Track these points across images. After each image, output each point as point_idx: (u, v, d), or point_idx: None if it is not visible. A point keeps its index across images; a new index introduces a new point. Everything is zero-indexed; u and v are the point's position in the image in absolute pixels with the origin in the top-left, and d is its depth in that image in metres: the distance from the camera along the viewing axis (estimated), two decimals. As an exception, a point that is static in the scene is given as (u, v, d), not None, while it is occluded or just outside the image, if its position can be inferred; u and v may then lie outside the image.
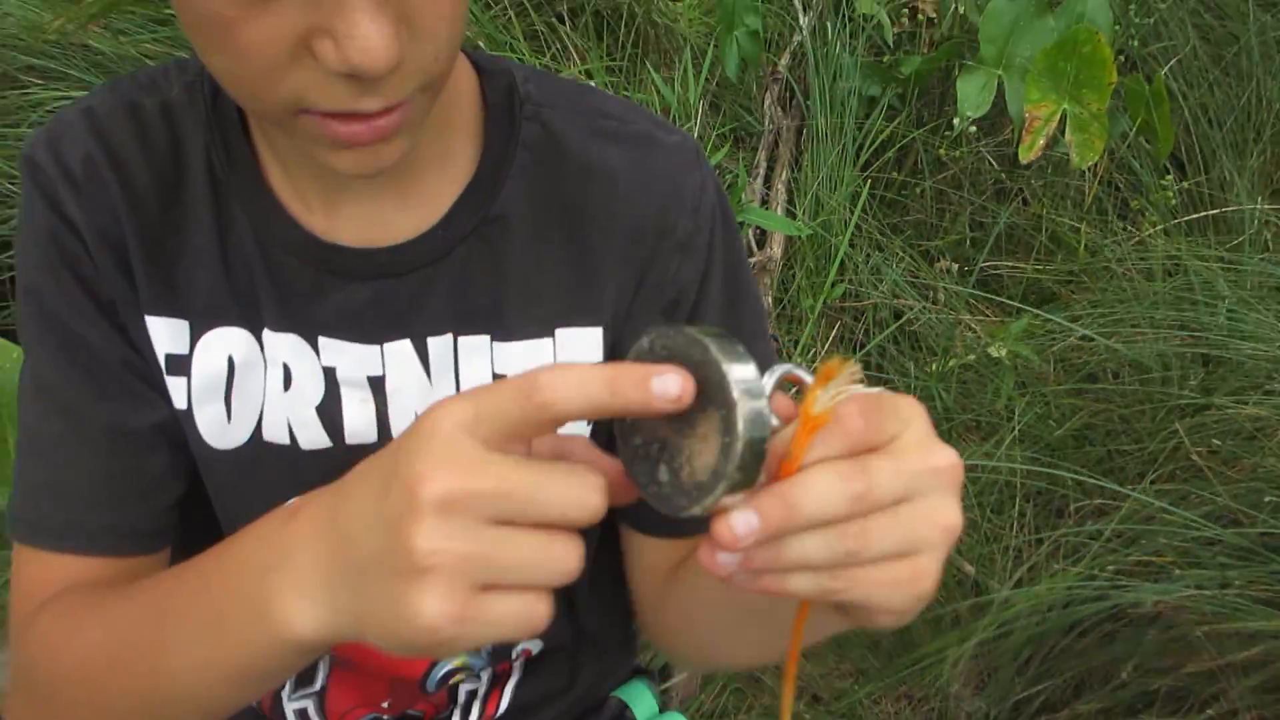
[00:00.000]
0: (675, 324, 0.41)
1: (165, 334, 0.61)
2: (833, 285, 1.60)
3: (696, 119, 1.90)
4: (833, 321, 1.64)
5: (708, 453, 0.39)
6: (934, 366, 1.56)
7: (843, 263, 1.70)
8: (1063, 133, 1.87)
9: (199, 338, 0.61)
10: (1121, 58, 2.04)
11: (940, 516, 0.41)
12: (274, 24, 0.46)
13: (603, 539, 0.69)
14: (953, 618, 1.34)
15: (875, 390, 0.41)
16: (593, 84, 1.54)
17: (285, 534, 0.44)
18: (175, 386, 0.61)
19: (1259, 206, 1.90)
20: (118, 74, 1.45)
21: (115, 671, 0.51)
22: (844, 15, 2.07)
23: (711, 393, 0.39)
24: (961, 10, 2.13)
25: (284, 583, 0.43)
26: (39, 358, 0.61)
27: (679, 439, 0.40)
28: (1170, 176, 1.94)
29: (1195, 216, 1.87)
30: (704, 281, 0.63)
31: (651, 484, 0.41)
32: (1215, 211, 1.87)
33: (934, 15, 2.15)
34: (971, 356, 1.55)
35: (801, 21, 2.23)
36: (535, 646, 0.71)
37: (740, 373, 0.38)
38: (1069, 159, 1.87)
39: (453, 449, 0.38)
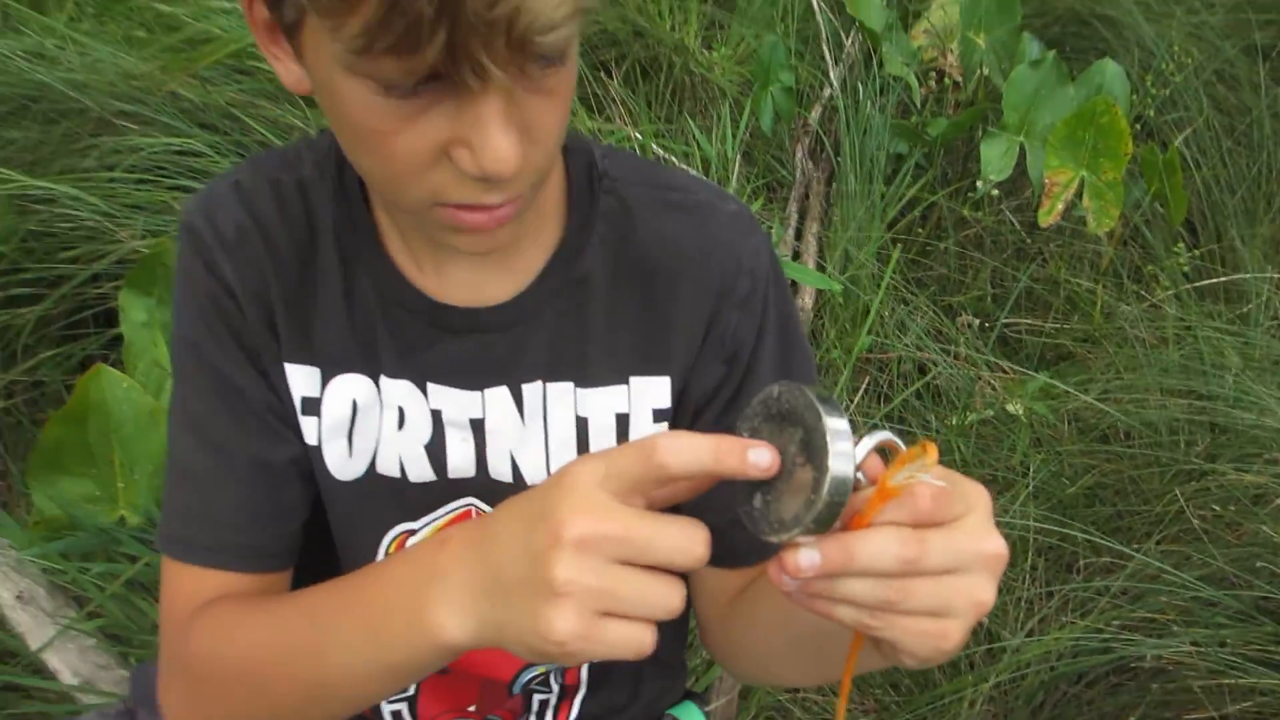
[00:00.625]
0: (798, 384, 0.49)
1: (301, 380, 0.69)
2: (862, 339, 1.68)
3: (733, 171, 1.98)
4: (860, 372, 1.72)
5: (796, 500, 0.47)
6: (954, 420, 1.64)
7: (866, 314, 1.78)
8: (1080, 198, 1.95)
9: (328, 383, 0.69)
10: (1138, 126, 2.13)
11: (976, 593, 0.48)
12: (421, 135, 0.54)
13: None
14: (968, 662, 1.41)
15: (943, 482, 0.48)
16: (648, 156, 1.62)
17: (439, 559, 0.53)
18: (308, 425, 0.70)
19: (1269, 275, 1.98)
20: (205, 120, 1.53)
21: (279, 666, 0.60)
22: (874, 75, 2.16)
23: (813, 453, 0.47)
24: (986, 73, 2.22)
25: (439, 597, 0.52)
26: (192, 398, 0.70)
27: (778, 480, 0.49)
28: (1182, 243, 2.03)
29: (1206, 283, 1.95)
30: (760, 336, 0.71)
31: (745, 505, 0.50)
32: (1226, 279, 1.95)
33: (959, 79, 2.24)
34: (990, 412, 1.63)
35: (831, 76, 2.32)
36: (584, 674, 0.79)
37: (840, 445, 0.46)
38: (1086, 223, 1.96)
39: (589, 499, 0.48)
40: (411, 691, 0.78)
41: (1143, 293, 1.96)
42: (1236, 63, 2.41)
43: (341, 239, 0.68)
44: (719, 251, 0.70)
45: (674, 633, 0.82)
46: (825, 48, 2.36)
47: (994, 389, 1.69)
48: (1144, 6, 2.43)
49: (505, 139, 0.54)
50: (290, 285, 0.68)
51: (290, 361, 0.69)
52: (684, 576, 0.72)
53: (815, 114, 2.21)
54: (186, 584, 0.69)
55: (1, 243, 1.56)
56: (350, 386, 0.69)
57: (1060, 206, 1.96)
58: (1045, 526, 1.47)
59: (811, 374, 0.76)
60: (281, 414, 0.70)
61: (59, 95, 1.59)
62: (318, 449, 0.70)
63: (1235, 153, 2.26)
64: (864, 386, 1.69)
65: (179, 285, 0.69)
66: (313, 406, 0.69)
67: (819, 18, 2.38)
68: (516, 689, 0.77)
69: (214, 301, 0.68)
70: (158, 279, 1.43)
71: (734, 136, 2.02)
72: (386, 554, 0.72)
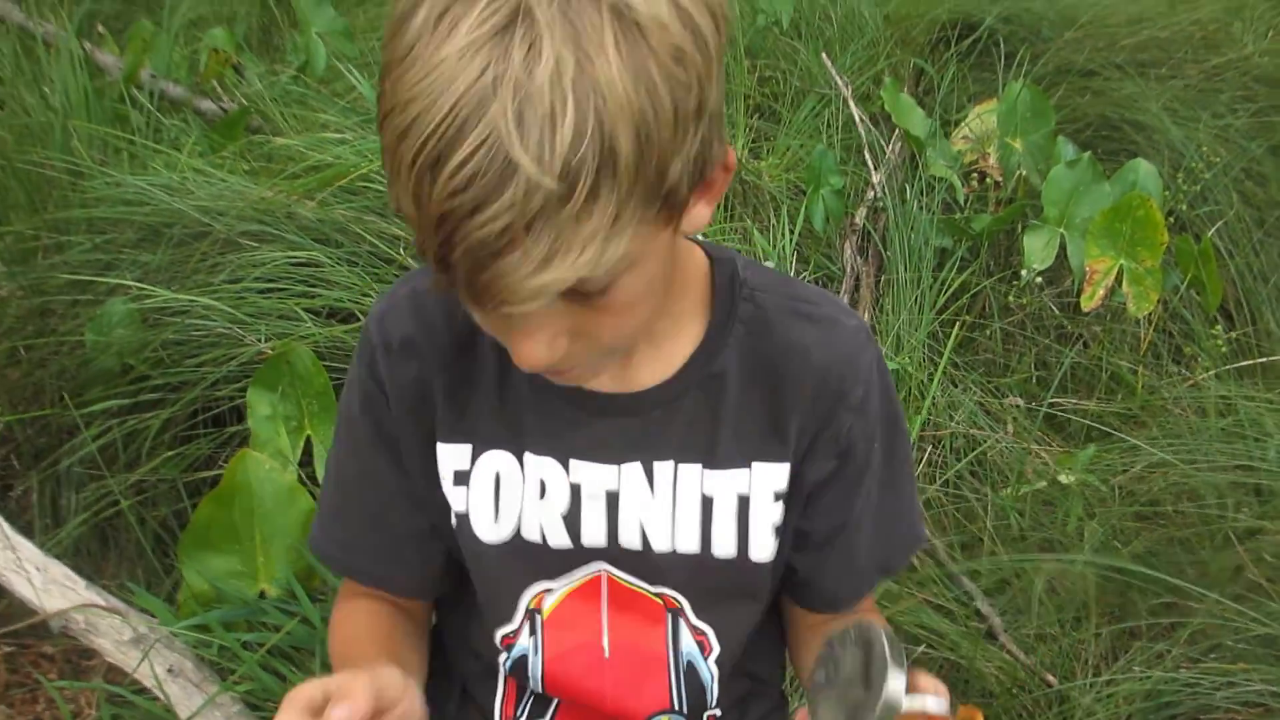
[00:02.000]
0: (888, 633, 0.62)
1: (452, 456, 0.81)
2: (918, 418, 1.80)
3: (790, 267, 2.13)
4: (917, 449, 1.83)
5: (842, 710, 0.62)
6: (1007, 491, 1.74)
7: (920, 395, 1.90)
8: (1120, 284, 2.08)
9: (477, 458, 0.81)
10: (1171, 219, 2.26)
11: None
12: (484, 322, 0.67)
13: (771, 606, 0.88)
14: (1038, 721, 1.48)
15: None
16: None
17: None
18: (458, 495, 0.81)
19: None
20: (321, 234, 1.72)
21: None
22: (919, 176, 2.32)
23: (867, 692, 0.60)
24: (1024, 174, 2.38)
25: None
26: (343, 457, 0.86)
27: (840, 684, 0.64)
28: (1219, 326, 2.13)
29: (1245, 364, 2.05)
30: (869, 436, 0.80)
31: (813, 687, 0.66)
32: (1264, 360, 2.05)
33: (999, 179, 2.40)
34: (1043, 483, 1.73)
35: (874, 179, 2.49)
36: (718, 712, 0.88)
37: (890, 698, 0.59)
38: (1126, 308, 2.08)
39: None
40: (548, 717, 0.88)
41: (1184, 372, 2.07)
42: (1263, 160, 2.55)
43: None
44: (839, 361, 0.79)
45: (770, 653, 0.93)
46: (867, 154, 2.53)
47: (1044, 461, 1.79)
48: (1171, 112, 2.58)
49: (528, 345, 0.64)
50: (451, 376, 0.81)
51: (444, 441, 0.81)
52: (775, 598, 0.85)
53: (861, 214, 2.37)
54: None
55: (133, 355, 1.74)
56: (496, 461, 0.81)
57: (1101, 292, 2.08)
58: (1107, 570, 1.55)
59: (907, 450, 0.86)
60: (418, 492, 0.83)
61: (191, 220, 1.80)
62: (466, 516, 0.81)
63: (1266, 243, 2.38)
64: (922, 460, 1.80)
65: (351, 367, 0.85)
66: (463, 478, 0.81)
67: (860, 128, 2.56)
68: None
69: (368, 397, 0.83)
70: (282, 376, 1.60)
71: (791, 237, 2.18)
72: (526, 609, 0.83)
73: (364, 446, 0.84)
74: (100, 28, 2.83)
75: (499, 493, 0.81)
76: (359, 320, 1.69)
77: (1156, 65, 2.80)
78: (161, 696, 1.39)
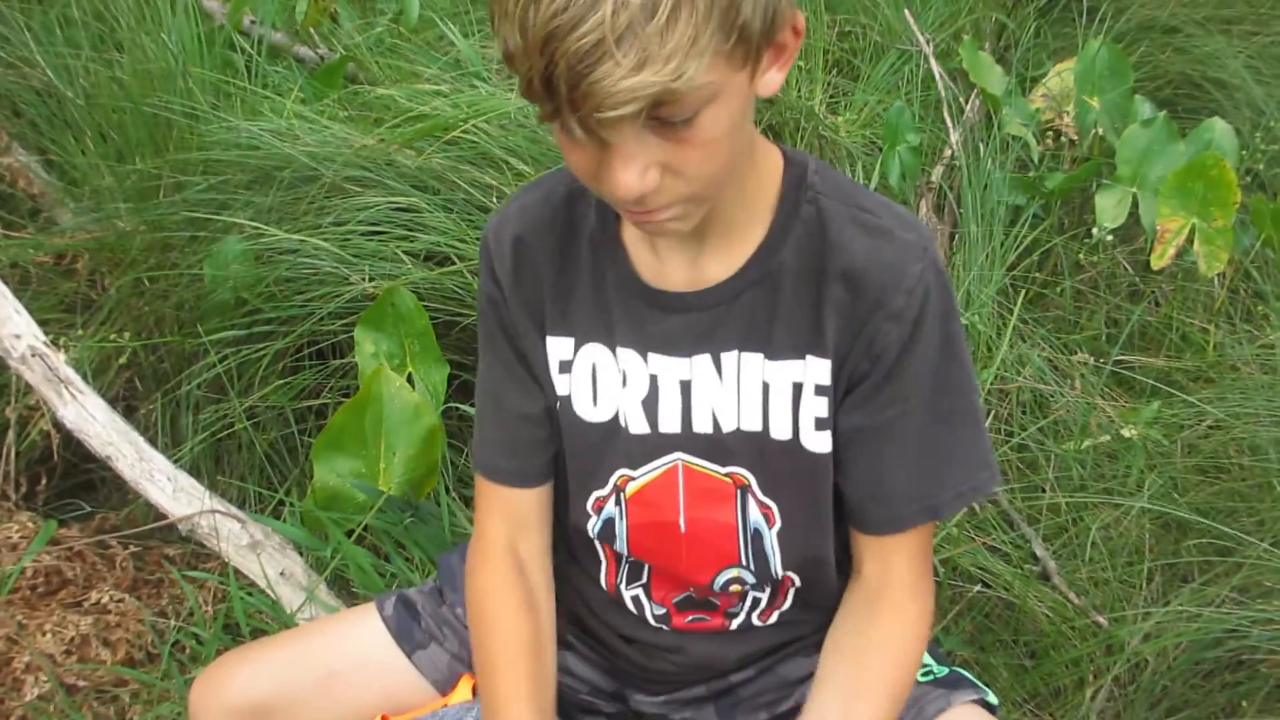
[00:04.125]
0: None
1: (558, 347, 0.94)
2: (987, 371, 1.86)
3: (864, 222, 2.19)
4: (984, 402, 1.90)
5: None
6: (1071, 444, 1.81)
7: (990, 351, 1.96)
8: (1192, 244, 2.10)
9: (579, 349, 0.93)
10: (1248, 178, 2.27)
11: None
12: (580, 160, 0.76)
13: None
14: (1089, 658, 1.56)
15: None
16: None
17: None
18: (562, 381, 0.94)
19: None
20: (419, 182, 1.83)
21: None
22: (994, 135, 2.36)
23: None
24: (1100, 132, 2.39)
25: None
26: (483, 360, 1.00)
27: None
28: (1292, 286, 2.15)
29: (1315, 323, 2.07)
30: (906, 346, 0.84)
31: None
32: (1335, 319, 2.07)
33: (1075, 137, 2.42)
34: (1106, 437, 1.79)
35: (952, 139, 2.53)
36: (797, 580, 0.97)
37: None
38: (1197, 267, 2.10)
39: None
40: (645, 579, 1.00)
41: (1255, 331, 2.09)
42: (1346, 119, 2.53)
43: (594, 239, 0.92)
44: (882, 268, 0.84)
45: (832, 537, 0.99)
46: (945, 111, 2.56)
47: (1108, 416, 1.85)
48: (1253, 70, 2.57)
49: (625, 174, 0.73)
50: (555, 275, 0.93)
51: (551, 334, 0.94)
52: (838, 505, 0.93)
53: (938, 172, 2.41)
54: (481, 489, 1.02)
55: (247, 290, 1.88)
56: (593, 352, 0.93)
57: (1172, 251, 2.11)
58: (1163, 517, 1.60)
59: (966, 387, 0.89)
60: (537, 378, 0.96)
61: (299, 165, 1.91)
62: (569, 398, 0.94)
63: (1345, 202, 2.36)
64: (990, 415, 1.87)
65: (480, 274, 0.98)
66: (567, 367, 0.94)
67: (939, 84, 2.59)
68: (717, 588, 0.97)
69: (490, 299, 0.96)
70: (386, 316, 1.72)
71: (866, 193, 2.24)
72: (614, 485, 0.95)
73: (493, 344, 0.97)
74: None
75: (595, 381, 0.93)
76: (455, 264, 1.80)
77: (1240, 21, 2.78)
78: (273, 595, 1.54)
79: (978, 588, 1.62)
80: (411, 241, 1.83)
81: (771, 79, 0.77)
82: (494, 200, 1.88)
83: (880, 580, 0.92)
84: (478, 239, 1.79)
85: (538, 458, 0.99)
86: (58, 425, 1.73)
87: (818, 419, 0.88)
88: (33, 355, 1.69)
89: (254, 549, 1.57)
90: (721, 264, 0.88)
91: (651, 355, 0.90)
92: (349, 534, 1.57)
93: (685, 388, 0.90)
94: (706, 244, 0.88)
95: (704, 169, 0.76)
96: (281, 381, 1.88)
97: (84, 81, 2.35)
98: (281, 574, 1.55)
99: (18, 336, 1.72)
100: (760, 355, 0.88)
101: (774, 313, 0.87)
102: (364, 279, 1.78)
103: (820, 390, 0.87)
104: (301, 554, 1.60)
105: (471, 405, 1.71)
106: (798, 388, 0.88)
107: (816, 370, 0.87)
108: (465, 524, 1.60)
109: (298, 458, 1.84)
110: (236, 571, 1.57)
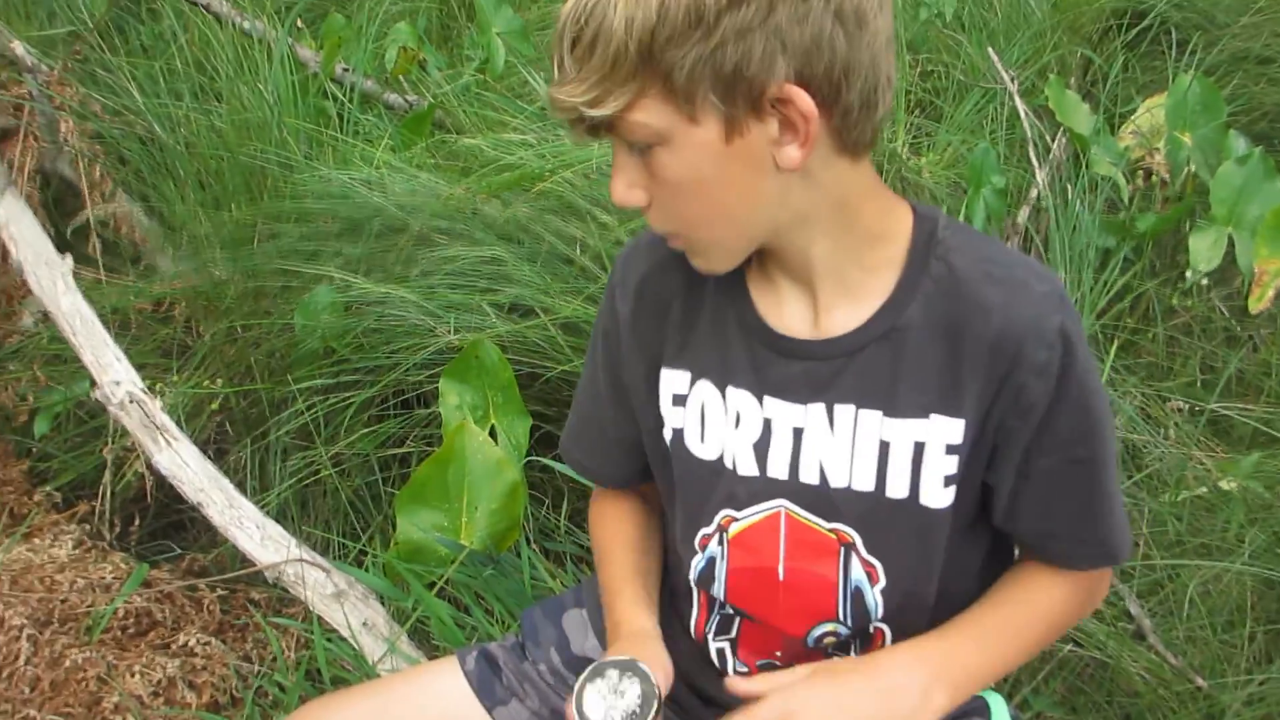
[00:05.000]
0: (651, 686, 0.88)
1: (674, 380, 0.96)
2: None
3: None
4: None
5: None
6: (1166, 497, 1.75)
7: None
8: (1292, 287, 2.03)
9: (694, 384, 0.94)
10: (1353, 219, 2.17)
11: None
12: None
13: (963, 545, 0.93)
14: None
15: None
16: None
17: None
18: (676, 414, 0.95)
19: None
20: (504, 232, 1.86)
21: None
22: (1081, 174, 2.31)
23: None
24: (1193, 170, 2.33)
25: None
26: (587, 374, 1.06)
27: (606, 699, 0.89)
28: (1400, 331, 2.06)
29: None
30: (1054, 403, 0.84)
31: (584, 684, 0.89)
32: None
33: (1166, 176, 2.36)
34: (1203, 489, 1.73)
35: (1038, 179, 2.48)
36: (889, 631, 0.95)
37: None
38: (1298, 312, 2.03)
39: None
40: (734, 634, 1.00)
41: (1360, 379, 2.01)
42: None
43: (720, 280, 0.93)
44: (1021, 323, 0.83)
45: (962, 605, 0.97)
46: (1031, 151, 2.52)
47: (1205, 467, 1.79)
48: (1358, 101, 2.48)
49: (613, 181, 0.84)
50: (680, 310, 0.95)
51: (668, 367, 0.96)
52: (971, 555, 0.95)
53: (1023, 214, 2.37)
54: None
55: (335, 339, 1.93)
56: (706, 389, 0.94)
57: (1271, 293, 2.04)
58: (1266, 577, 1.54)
59: (1100, 441, 0.88)
60: (632, 407, 1.00)
61: (390, 215, 1.96)
62: (681, 431, 0.95)
63: None
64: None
65: (602, 301, 1.03)
66: (681, 401, 0.95)
67: (1024, 123, 2.55)
68: (810, 643, 0.96)
69: (605, 327, 1.01)
70: (471, 369, 1.75)
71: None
72: (718, 524, 0.95)
73: (597, 366, 1.03)
74: (299, 22, 3.04)
75: (705, 418, 0.94)
76: (539, 316, 1.83)
77: (1340, 52, 2.69)
78: (355, 644, 1.57)
79: (1069, 647, 1.58)
80: (496, 294, 1.86)
81: (788, 154, 0.80)
82: (577, 251, 1.90)
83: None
84: (561, 291, 1.82)
85: (619, 470, 1.07)
86: (151, 468, 1.79)
87: (946, 476, 0.87)
88: (130, 401, 1.76)
89: (338, 598, 1.60)
90: (845, 316, 0.88)
91: (767, 399, 0.91)
92: (430, 586, 1.60)
93: (797, 435, 0.90)
94: (820, 295, 0.89)
95: (678, 208, 0.84)
96: (366, 430, 1.92)
97: (184, 130, 2.45)
98: (364, 624, 1.58)
99: (117, 383, 1.79)
100: (879, 413, 0.87)
101: (898, 370, 0.87)
102: (449, 331, 1.81)
103: (952, 449, 0.87)
104: (384, 604, 1.62)
105: (553, 458, 1.74)
106: (920, 446, 0.87)
107: (945, 429, 0.86)
108: (546, 578, 1.61)
109: (381, 505, 1.88)
110: (320, 619, 1.60)
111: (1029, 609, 0.94)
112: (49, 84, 2.38)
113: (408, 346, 1.86)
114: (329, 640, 1.60)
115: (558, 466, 1.72)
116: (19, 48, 2.39)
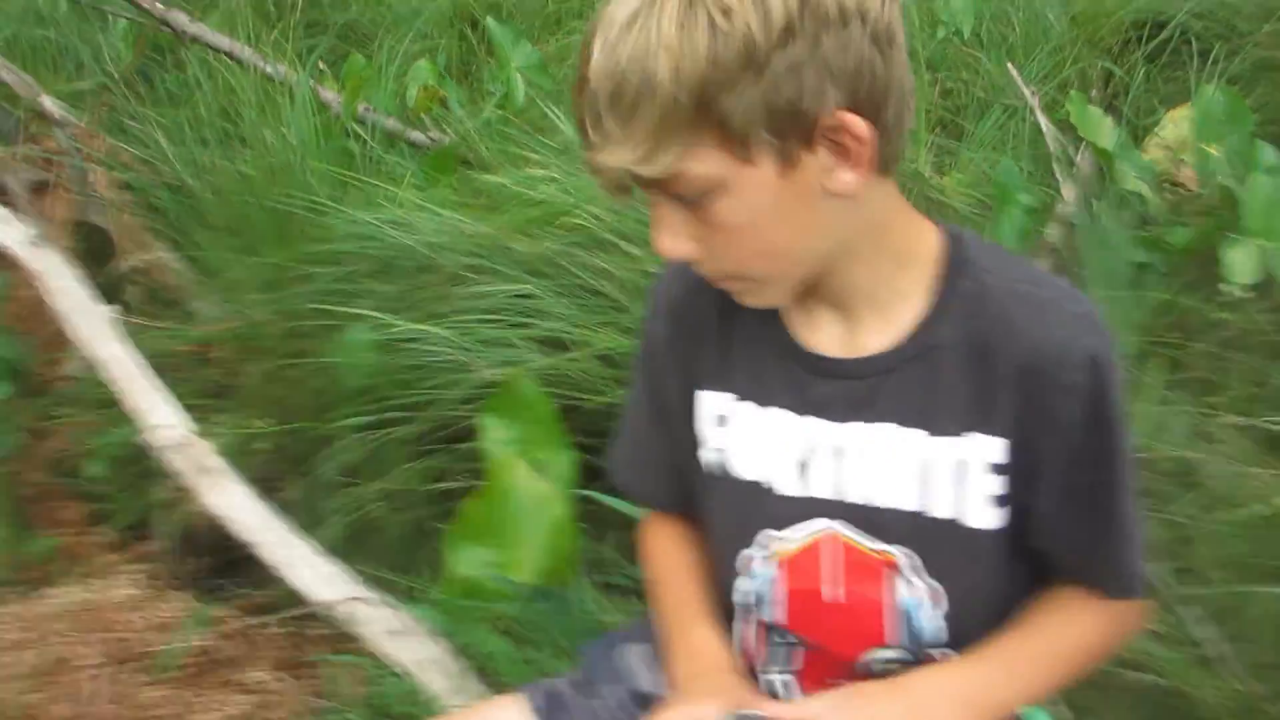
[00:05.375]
0: None
1: (715, 402, 0.95)
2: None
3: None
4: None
5: None
6: (1225, 516, 1.72)
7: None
8: (1333, 297, 2.01)
9: (733, 405, 0.94)
10: (1391, 226, 2.15)
11: None
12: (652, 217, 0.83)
13: (1023, 568, 0.92)
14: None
15: None
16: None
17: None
18: (718, 436, 0.94)
19: None
20: (533, 268, 1.86)
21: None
22: (1109, 189, 2.30)
23: None
24: (1224, 181, 2.32)
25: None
26: (633, 395, 1.06)
27: None
28: None
29: None
30: (1081, 424, 0.83)
31: None
32: None
33: (1195, 188, 2.35)
34: (1259, 505, 1.71)
35: (1064, 193, 2.48)
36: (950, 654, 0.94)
37: None
38: (1342, 322, 2.01)
39: None
40: (798, 666, 0.98)
41: None
42: None
43: None
44: (1051, 343, 0.83)
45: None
46: (1056, 166, 2.52)
47: (1263, 483, 1.76)
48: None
49: (658, 237, 0.83)
50: (716, 331, 0.95)
51: (705, 389, 0.96)
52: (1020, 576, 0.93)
53: (1053, 230, 2.36)
54: None
55: (376, 377, 1.93)
56: (746, 409, 0.93)
57: (1311, 306, 2.02)
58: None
59: (1122, 465, 0.87)
60: (674, 427, 0.98)
61: (418, 255, 1.97)
62: (724, 452, 0.95)
63: None
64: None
65: (641, 325, 1.04)
66: (723, 421, 0.95)
67: (1048, 139, 2.55)
68: (872, 669, 0.95)
69: (645, 350, 1.02)
70: (510, 405, 1.75)
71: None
72: (759, 546, 0.94)
73: (640, 388, 1.04)
74: (321, 64, 3.07)
75: (745, 438, 0.94)
76: (573, 350, 1.82)
77: (1366, 57, 2.68)
78: (418, 681, 1.56)
79: (1130, 672, 1.55)
80: (528, 328, 1.86)
81: (841, 179, 0.79)
82: (605, 283, 1.90)
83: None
84: (594, 325, 1.82)
85: (670, 493, 1.04)
86: (203, 508, 1.78)
87: (995, 497, 0.87)
88: (182, 444, 1.77)
89: (397, 635, 1.59)
90: (878, 336, 0.89)
91: (808, 419, 0.91)
92: (486, 622, 1.59)
93: (838, 454, 0.90)
94: (852, 315, 0.89)
95: (733, 252, 0.82)
96: (410, 465, 1.91)
97: (211, 177, 2.47)
98: (425, 660, 1.57)
99: (166, 426, 1.80)
100: (922, 432, 0.87)
101: (934, 388, 0.87)
102: (487, 365, 1.81)
103: (997, 469, 0.86)
104: (443, 641, 1.61)
105: (599, 489, 1.72)
106: (962, 465, 0.87)
107: (985, 448, 0.86)
108: (599, 611, 1.60)
109: (431, 538, 1.87)
110: (381, 655, 1.59)
111: (1058, 639, 0.93)
112: (78, 136, 2.40)
113: (446, 383, 1.86)
114: (394, 676, 1.59)
115: (606, 499, 1.71)
116: (47, 102, 2.42)
